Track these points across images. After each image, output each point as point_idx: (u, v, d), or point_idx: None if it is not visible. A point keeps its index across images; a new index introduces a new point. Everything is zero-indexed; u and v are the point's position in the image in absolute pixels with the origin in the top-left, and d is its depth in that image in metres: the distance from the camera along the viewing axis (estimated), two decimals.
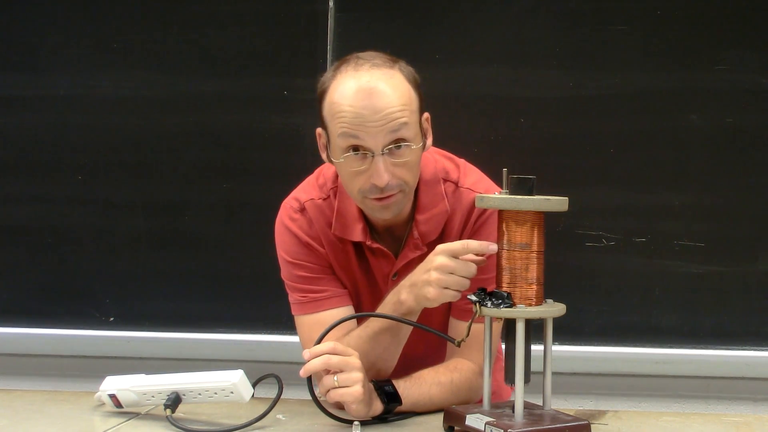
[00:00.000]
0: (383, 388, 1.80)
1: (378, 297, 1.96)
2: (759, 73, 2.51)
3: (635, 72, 2.54)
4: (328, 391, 1.73)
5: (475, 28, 2.57)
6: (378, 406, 1.78)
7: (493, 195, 1.68)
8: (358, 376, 1.72)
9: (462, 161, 2.00)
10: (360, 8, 2.59)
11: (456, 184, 1.94)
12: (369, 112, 1.77)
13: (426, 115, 1.90)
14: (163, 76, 2.65)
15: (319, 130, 1.90)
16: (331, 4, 2.60)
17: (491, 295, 1.65)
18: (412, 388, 1.84)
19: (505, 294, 1.64)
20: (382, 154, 1.79)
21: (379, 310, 1.85)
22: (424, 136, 1.88)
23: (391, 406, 1.80)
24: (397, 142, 1.80)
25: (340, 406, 1.78)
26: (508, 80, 2.56)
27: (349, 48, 2.52)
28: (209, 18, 2.64)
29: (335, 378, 1.71)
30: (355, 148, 1.80)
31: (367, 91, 1.78)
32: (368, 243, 1.93)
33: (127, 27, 2.66)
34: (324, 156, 1.91)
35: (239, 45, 2.64)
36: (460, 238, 1.92)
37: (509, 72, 2.56)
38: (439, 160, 1.97)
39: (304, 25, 2.61)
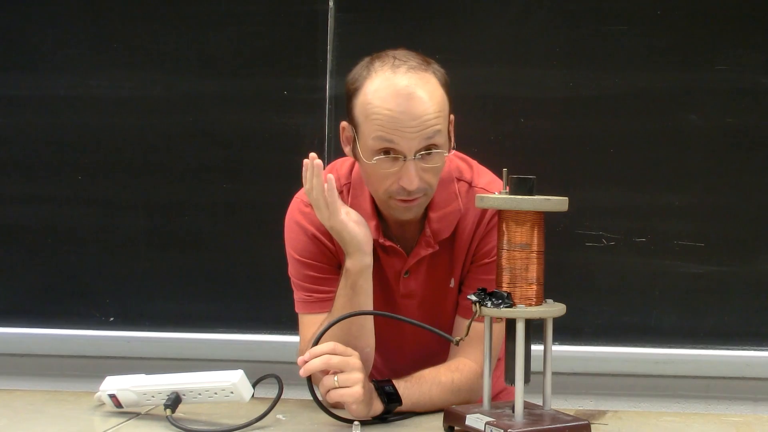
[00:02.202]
0: (383, 388, 1.80)
1: (389, 294, 1.97)
2: (759, 73, 2.51)
3: (635, 72, 2.54)
4: (328, 391, 1.73)
5: (475, 28, 2.57)
6: (378, 406, 1.78)
7: (493, 195, 1.68)
8: (358, 376, 1.72)
9: (474, 162, 2.00)
10: (360, 8, 2.59)
11: (469, 183, 1.95)
12: (407, 118, 1.78)
13: (451, 117, 1.89)
14: (163, 76, 2.66)
15: (344, 123, 1.90)
16: (331, 4, 2.60)
17: (491, 295, 1.65)
18: (413, 388, 1.84)
19: (505, 294, 1.64)
20: (414, 158, 1.80)
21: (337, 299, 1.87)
22: (450, 140, 1.88)
23: (392, 406, 1.80)
24: (429, 149, 1.81)
25: (340, 405, 1.78)
26: (508, 80, 2.56)
27: (349, 48, 2.54)
28: (209, 18, 2.64)
29: (335, 378, 1.71)
30: (387, 151, 1.81)
31: (406, 96, 1.78)
32: (381, 240, 1.93)
33: (127, 27, 2.66)
34: (347, 150, 1.91)
35: (239, 45, 2.64)
36: (472, 238, 1.93)
37: (509, 72, 2.56)
38: (453, 160, 1.97)
39: (304, 25, 2.61)
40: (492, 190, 1.90)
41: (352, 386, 1.72)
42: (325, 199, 1.80)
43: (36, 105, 2.69)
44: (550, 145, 2.56)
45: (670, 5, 2.52)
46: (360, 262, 1.83)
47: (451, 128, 1.90)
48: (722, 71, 2.51)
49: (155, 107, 2.66)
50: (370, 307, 1.86)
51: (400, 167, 1.81)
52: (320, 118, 2.60)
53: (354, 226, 1.82)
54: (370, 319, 1.88)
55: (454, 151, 1.99)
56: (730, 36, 2.52)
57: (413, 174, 1.80)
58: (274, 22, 2.62)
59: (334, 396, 1.72)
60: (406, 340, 2.01)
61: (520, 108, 2.56)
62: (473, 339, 1.81)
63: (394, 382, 1.82)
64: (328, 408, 1.77)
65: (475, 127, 2.51)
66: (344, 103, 1.89)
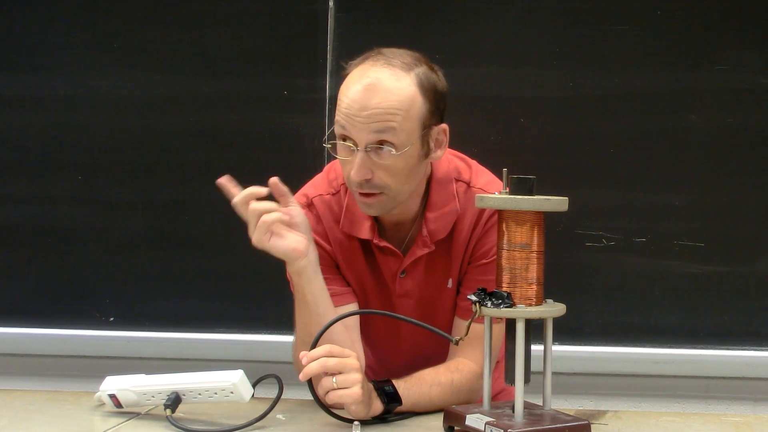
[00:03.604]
0: (383, 388, 1.80)
1: (386, 295, 1.97)
2: (759, 73, 2.51)
3: (635, 72, 2.54)
4: (327, 392, 1.73)
5: (475, 28, 2.57)
6: (378, 406, 1.78)
7: (492, 195, 1.68)
8: (356, 377, 1.72)
9: (474, 162, 2.00)
10: (360, 8, 2.59)
11: (468, 184, 1.95)
12: (358, 107, 1.79)
13: (443, 127, 1.88)
14: (163, 76, 2.65)
15: None
16: (331, 4, 2.60)
17: (491, 295, 1.65)
18: (413, 388, 1.83)
19: (505, 294, 1.64)
20: (366, 150, 1.80)
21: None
22: (428, 146, 1.86)
23: (391, 406, 1.80)
24: (381, 144, 1.81)
25: (340, 406, 1.78)
26: (508, 80, 2.56)
27: (349, 48, 2.53)
28: (209, 18, 2.64)
29: (334, 380, 1.71)
30: (344, 138, 1.82)
31: (365, 86, 1.80)
32: (375, 241, 1.93)
33: (127, 27, 2.66)
34: None
35: (239, 45, 2.64)
36: (470, 238, 1.93)
37: (509, 72, 2.56)
38: (451, 160, 1.97)
39: (304, 25, 2.61)
40: (490, 191, 1.89)
41: (350, 387, 1.71)
42: (264, 222, 1.80)
43: (36, 105, 2.69)
44: (550, 145, 2.56)
45: (670, 5, 2.52)
46: (292, 266, 1.85)
47: (444, 137, 1.88)
48: (722, 71, 2.51)
49: (155, 107, 2.66)
50: (326, 308, 1.87)
51: (354, 158, 1.82)
52: (320, 118, 2.60)
53: (275, 241, 1.82)
54: (337, 333, 1.87)
55: (453, 150, 1.99)
56: (730, 36, 2.52)
57: (359, 164, 1.80)
58: (274, 22, 2.62)
59: (333, 397, 1.72)
60: (403, 341, 2.01)
61: (520, 108, 2.56)
62: (473, 339, 1.81)
63: (394, 382, 1.82)
64: (328, 408, 1.77)
65: (475, 127, 2.52)
66: None
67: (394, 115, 1.79)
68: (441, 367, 1.91)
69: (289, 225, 1.84)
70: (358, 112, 1.79)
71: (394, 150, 1.81)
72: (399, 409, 1.81)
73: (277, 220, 1.81)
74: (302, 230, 1.85)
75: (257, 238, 1.81)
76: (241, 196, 1.82)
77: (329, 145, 1.85)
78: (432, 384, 1.86)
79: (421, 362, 1.92)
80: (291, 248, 1.83)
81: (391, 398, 1.80)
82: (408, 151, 1.82)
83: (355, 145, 1.81)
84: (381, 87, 1.79)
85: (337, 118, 1.83)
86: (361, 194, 1.85)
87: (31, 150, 2.70)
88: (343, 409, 1.76)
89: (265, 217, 1.79)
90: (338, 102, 1.83)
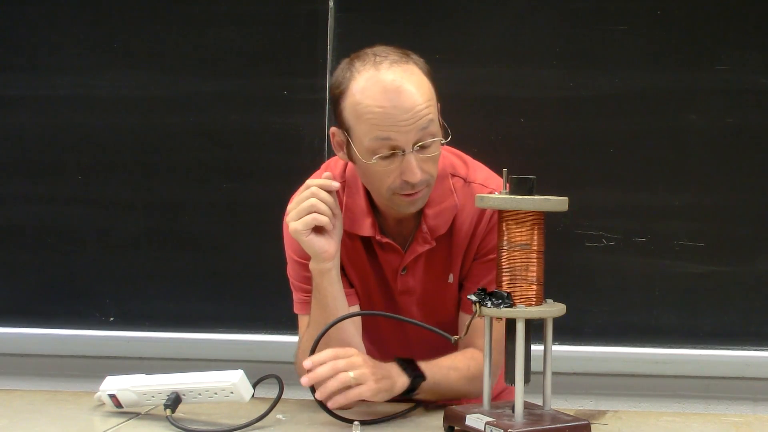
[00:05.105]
0: (407, 362, 1.82)
1: (388, 292, 1.97)
2: (759, 73, 2.51)
3: (635, 72, 2.54)
4: (330, 395, 1.73)
5: (475, 28, 2.57)
6: (403, 381, 1.80)
7: (493, 195, 1.68)
8: (365, 371, 1.74)
9: (468, 157, 2.01)
10: (360, 8, 2.59)
11: (464, 179, 1.95)
12: (399, 112, 1.78)
13: (438, 105, 1.90)
14: (163, 76, 2.66)
15: (333, 129, 1.89)
16: (331, 4, 2.60)
17: (491, 295, 1.65)
18: (432, 369, 1.85)
19: (505, 294, 1.64)
20: (413, 150, 1.80)
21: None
22: (443, 128, 1.89)
23: (416, 381, 1.81)
24: (426, 138, 1.81)
25: (347, 407, 1.78)
26: (508, 80, 2.56)
27: (349, 48, 2.52)
28: (209, 18, 2.64)
29: (351, 374, 1.72)
30: (386, 148, 1.81)
31: (395, 91, 1.78)
32: (377, 237, 1.93)
33: (127, 27, 2.66)
34: (340, 154, 1.91)
35: (239, 45, 2.64)
36: (473, 234, 1.94)
37: (509, 72, 2.56)
38: (446, 156, 1.97)
39: (304, 25, 2.61)
40: (489, 186, 1.91)
41: (364, 383, 1.72)
42: (314, 219, 1.82)
43: (36, 105, 2.69)
44: (550, 145, 2.56)
45: (670, 5, 2.52)
46: (317, 264, 1.86)
47: (439, 116, 1.91)
48: (722, 71, 2.52)
49: (155, 107, 2.66)
50: (338, 309, 1.87)
51: (400, 162, 1.81)
52: (320, 118, 2.60)
53: (312, 237, 1.84)
54: (352, 335, 1.89)
55: (445, 146, 1.99)
56: (730, 36, 2.52)
57: (415, 167, 1.80)
58: (274, 22, 2.62)
59: (351, 396, 1.72)
60: (409, 336, 2.01)
61: (520, 108, 2.56)
62: (482, 331, 1.81)
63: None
64: (328, 408, 1.77)
65: (475, 127, 2.52)
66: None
67: (429, 107, 1.81)
68: (457, 354, 1.93)
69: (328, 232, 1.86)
70: (401, 116, 1.78)
71: (441, 139, 1.84)
72: (418, 396, 1.83)
73: (325, 225, 1.82)
74: (335, 235, 1.86)
75: (297, 228, 1.82)
76: (318, 182, 1.85)
77: (374, 162, 1.81)
78: (450, 368, 1.88)
79: (428, 357, 1.92)
80: (323, 249, 1.84)
81: (416, 374, 1.81)
82: (441, 137, 1.86)
83: (401, 149, 1.80)
84: (408, 87, 1.79)
85: (375, 133, 1.79)
86: (407, 195, 1.85)
87: (31, 150, 2.70)
88: (347, 409, 1.77)
89: (317, 216, 1.81)
90: (362, 116, 1.79)
